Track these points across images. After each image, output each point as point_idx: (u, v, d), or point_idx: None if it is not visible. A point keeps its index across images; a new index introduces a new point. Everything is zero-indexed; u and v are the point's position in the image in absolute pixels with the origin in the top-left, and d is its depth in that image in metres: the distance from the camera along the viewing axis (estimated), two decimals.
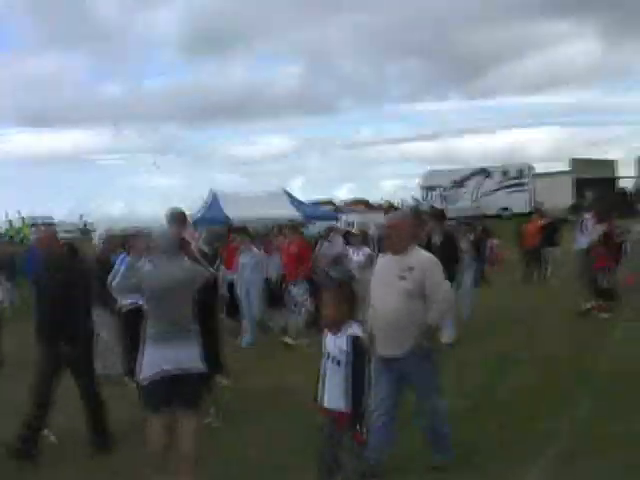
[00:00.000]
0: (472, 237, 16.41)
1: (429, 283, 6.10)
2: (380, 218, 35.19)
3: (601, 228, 14.08)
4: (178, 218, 8.24)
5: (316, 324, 12.69)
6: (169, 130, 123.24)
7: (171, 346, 6.03)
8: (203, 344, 6.35)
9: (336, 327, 5.12)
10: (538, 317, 13.95)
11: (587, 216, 15.19)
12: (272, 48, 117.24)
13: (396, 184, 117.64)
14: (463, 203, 47.76)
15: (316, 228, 28.28)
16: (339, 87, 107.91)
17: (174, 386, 6.01)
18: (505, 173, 48.94)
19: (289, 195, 28.72)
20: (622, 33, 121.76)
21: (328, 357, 5.13)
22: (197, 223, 25.66)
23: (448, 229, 12.55)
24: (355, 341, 5.05)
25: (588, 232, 14.67)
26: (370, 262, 14.28)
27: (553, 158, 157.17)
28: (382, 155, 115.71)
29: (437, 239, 11.50)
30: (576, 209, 41.05)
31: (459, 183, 49.39)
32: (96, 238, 29.69)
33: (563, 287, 16.95)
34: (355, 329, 5.12)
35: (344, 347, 5.03)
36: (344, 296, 5.19)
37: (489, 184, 48.84)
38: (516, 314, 14.31)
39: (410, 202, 51.28)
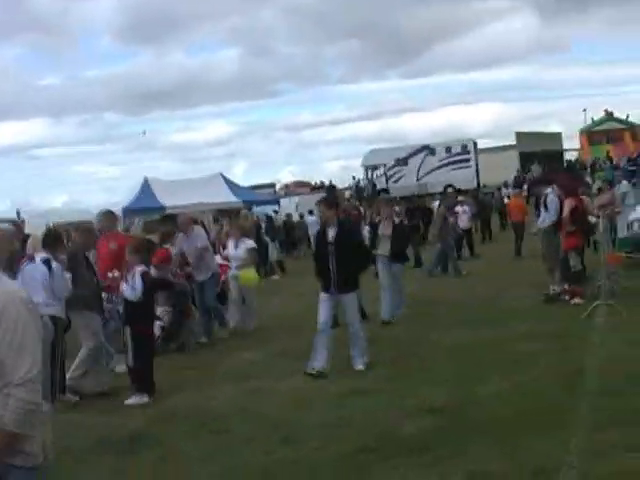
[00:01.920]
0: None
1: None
2: None
3: (570, 203, 12.77)
4: None
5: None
6: (110, 119, 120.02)
7: None
8: None
9: None
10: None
11: (549, 190, 13.92)
12: (209, 34, 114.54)
13: (340, 165, 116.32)
14: (407, 181, 46.59)
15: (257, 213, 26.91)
16: (278, 70, 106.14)
17: None
18: (448, 150, 47.69)
19: (226, 179, 27.05)
20: (558, 8, 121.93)
21: None
22: (128, 212, 24.03)
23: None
24: None
25: (552, 208, 13.41)
26: (252, 258, 13.30)
27: (495, 135, 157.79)
28: (324, 137, 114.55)
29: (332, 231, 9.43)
30: (519, 183, 40.47)
31: (402, 161, 48.01)
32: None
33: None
34: None
35: None
36: None
37: (432, 161, 47.49)
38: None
39: (352, 182, 50.18)
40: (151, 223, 24.95)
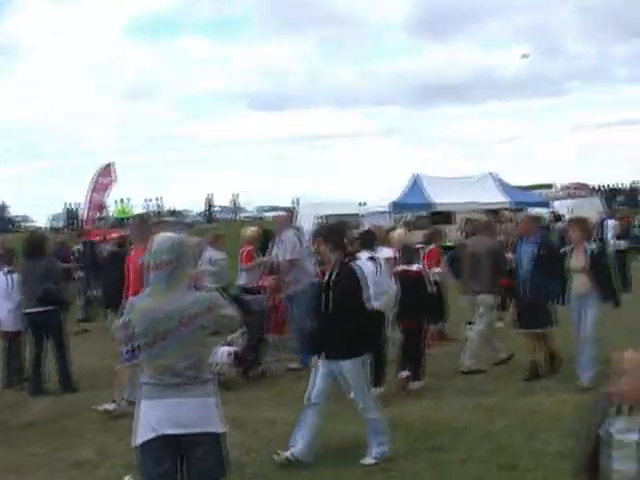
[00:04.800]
0: None
1: None
2: (597, 205, 32.33)
3: None
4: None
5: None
6: (394, 113, 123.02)
7: (171, 401, 4.36)
8: None
9: None
10: None
11: None
12: (499, 31, 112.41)
13: (626, 168, 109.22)
14: None
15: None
16: (567, 69, 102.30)
17: (178, 453, 4.38)
18: None
19: (496, 179, 26.58)
20: None
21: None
22: (397, 207, 24.45)
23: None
24: None
25: None
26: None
27: None
28: (610, 138, 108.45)
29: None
30: None
31: None
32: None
33: None
34: None
35: None
36: None
37: None
38: None
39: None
40: (421, 219, 25.35)
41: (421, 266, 9.92)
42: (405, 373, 9.11)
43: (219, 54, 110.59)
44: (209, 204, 44.59)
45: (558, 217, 26.99)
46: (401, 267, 9.56)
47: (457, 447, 6.81)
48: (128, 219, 28.87)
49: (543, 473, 6.03)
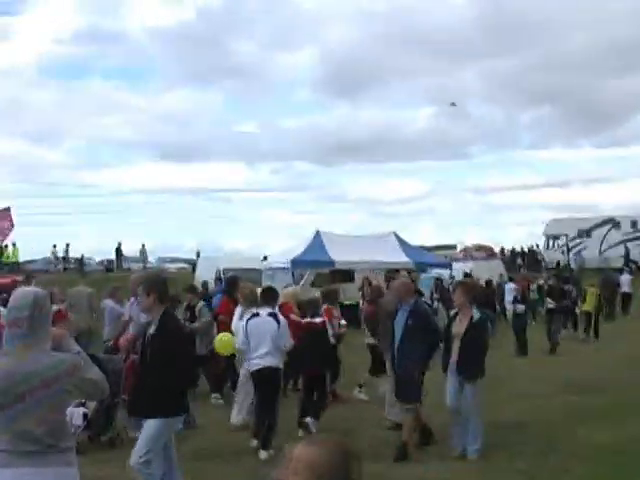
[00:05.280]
0: None
1: None
2: (499, 267, 32.93)
3: None
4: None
5: None
6: (301, 168, 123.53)
7: (26, 471, 3.83)
8: None
9: None
10: None
11: None
12: (406, 92, 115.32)
13: (526, 230, 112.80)
14: (589, 253, 44.24)
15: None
16: (470, 132, 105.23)
17: None
18: (634, 224, 45.00)
19: (399, 239, 26.53)
20: None
21: None
22: (296, 263, 24.02)
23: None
24: None
25: None
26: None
27: None
28: (511, 201, 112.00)
29: None
30: None
31: (585, 232, 45.79)
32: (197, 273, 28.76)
33: None
34: None
35: None
36: None
37: (616, 235, 44.94)
38: None
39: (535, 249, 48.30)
40: (321, 277, 25.03)
41: (324, 319, 10.50)
42: (309, 419, 9.49)
43: (125, 101, 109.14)
44: (118, 252, 43.67)
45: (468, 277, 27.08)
46: (307, 319, 10.34)
47: None
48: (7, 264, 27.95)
49: None
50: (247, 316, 9.17)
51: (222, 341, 10.52)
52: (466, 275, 27.30)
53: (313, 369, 10.01)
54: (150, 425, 6.01)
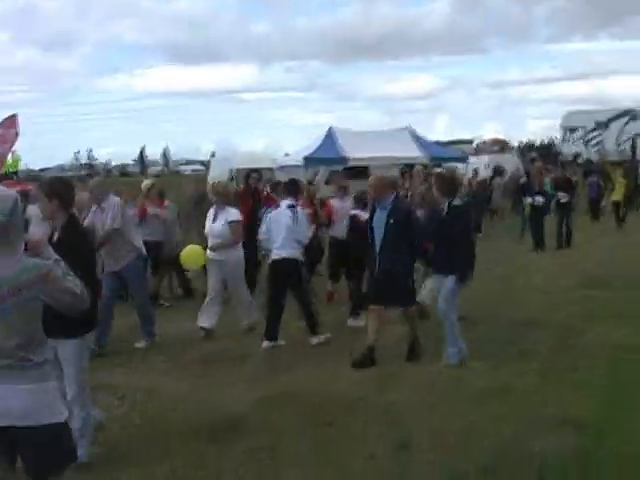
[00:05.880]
0: None
1: None
2: (513, 161, 32.45)
3: None
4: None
5: None
6: (314, 67, 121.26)
7: None
8: None
9: None
10: None
11: None
12: None
13: (543, 124, 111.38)
14: (606, 146, 43.45)
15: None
16: (487, 26, 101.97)
17: (9, 447, 3.68)
18: None
19: (413, 134, 25.99)
20: None
21: None
22: (309, 161, 23.60)
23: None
24: None
25: None
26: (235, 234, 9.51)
27: None
28: (528, 95, 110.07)
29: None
30: None
31: (603, 125, 44.82)
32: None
33: None
34: None
35: None
36: None
37: (635, 127, 43.91)
38: None
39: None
40: (337, 174, 24.55)
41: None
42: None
43: (136, 4, 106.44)
44: (141, 156, 43.37)
45: (500, 171, 26.60)
46: (353, 212, 10.34)
47: (349, 422, 6.16)
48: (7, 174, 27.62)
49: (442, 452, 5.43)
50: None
51: (189, 255, 9.97)
52: (495, 169, 26.96)
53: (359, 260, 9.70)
54: (64, 351, 5.38)
